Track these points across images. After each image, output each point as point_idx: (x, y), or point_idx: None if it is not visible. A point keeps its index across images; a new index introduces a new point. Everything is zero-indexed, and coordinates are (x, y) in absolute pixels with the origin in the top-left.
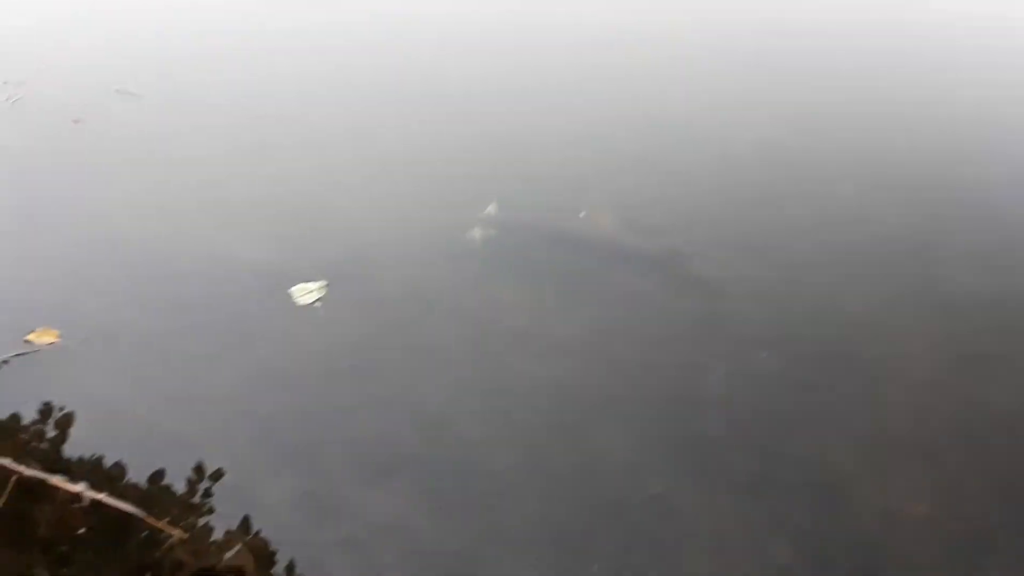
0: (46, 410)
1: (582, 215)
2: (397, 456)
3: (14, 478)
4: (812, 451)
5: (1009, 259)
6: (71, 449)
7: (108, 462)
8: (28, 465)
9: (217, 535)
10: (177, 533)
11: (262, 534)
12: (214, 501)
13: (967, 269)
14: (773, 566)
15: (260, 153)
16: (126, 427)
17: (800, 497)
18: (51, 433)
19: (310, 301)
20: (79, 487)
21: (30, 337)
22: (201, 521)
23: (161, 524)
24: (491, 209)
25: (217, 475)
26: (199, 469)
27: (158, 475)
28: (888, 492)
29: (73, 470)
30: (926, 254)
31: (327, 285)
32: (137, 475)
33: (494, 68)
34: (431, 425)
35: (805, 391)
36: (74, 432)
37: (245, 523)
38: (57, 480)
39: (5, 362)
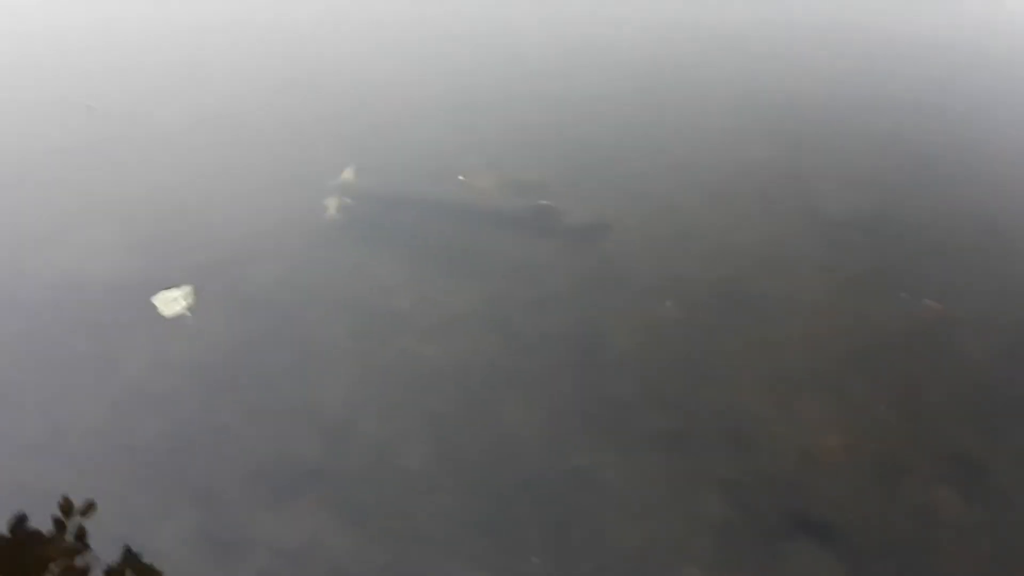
0: None
1: (461, 178)
2: (299, 471)
3: None
4: (723, 398)
5: (878, 177)
6: None
7: None
8: None
9: None
10: None
11: None
12: (99, 555)
13: (839, 192)
14: (705, 522)
15: (96, 152)
16: None
17: (719, 448)
18: None
19: (178, 310)
20: None
21: None
22: None
23: None
24: (347, 175)
25: (98, 524)
26: (76, 521)
27: (31, 535)
28: (801, 429)
29: None
30: (799, 182)
31: (194, 290)
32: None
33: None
34: (331, 430)
35: (705, 336)
36: None
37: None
38: None
39: None
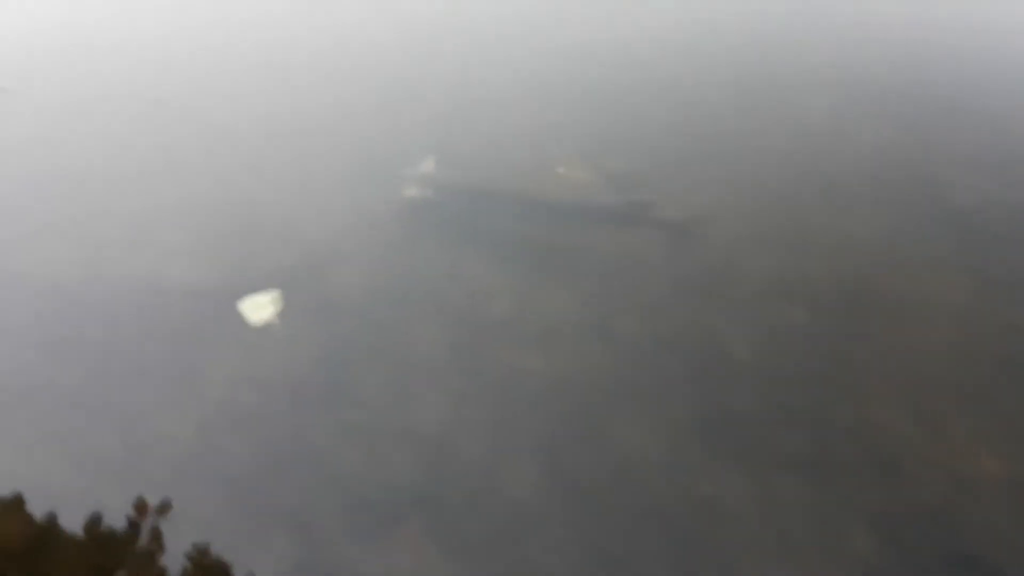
0: None
1: (560, 170)
2: (399, 497)
3: None
4: (861, 415)
5: (1008, 163)
6: None
7: (47, 554)
8: None
9: None
10: None
11: None
12: None
13: (967, 180)
14: (850, 559)
15: (165, 155)
16: (66, 506)
17: (860, 472)
18: None
19: (266, 317)
20: None
21: None
22: None
23: None
24: (427, 166)
25: (199, 551)
26: (170, 547)
27: (110, 558)
28: (952, 451)
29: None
30: (920, 168)
31: (281, 296)
32: (96, 567)
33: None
34: (430, 452)
35: (834, 344)
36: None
37: None
38: None
39: None
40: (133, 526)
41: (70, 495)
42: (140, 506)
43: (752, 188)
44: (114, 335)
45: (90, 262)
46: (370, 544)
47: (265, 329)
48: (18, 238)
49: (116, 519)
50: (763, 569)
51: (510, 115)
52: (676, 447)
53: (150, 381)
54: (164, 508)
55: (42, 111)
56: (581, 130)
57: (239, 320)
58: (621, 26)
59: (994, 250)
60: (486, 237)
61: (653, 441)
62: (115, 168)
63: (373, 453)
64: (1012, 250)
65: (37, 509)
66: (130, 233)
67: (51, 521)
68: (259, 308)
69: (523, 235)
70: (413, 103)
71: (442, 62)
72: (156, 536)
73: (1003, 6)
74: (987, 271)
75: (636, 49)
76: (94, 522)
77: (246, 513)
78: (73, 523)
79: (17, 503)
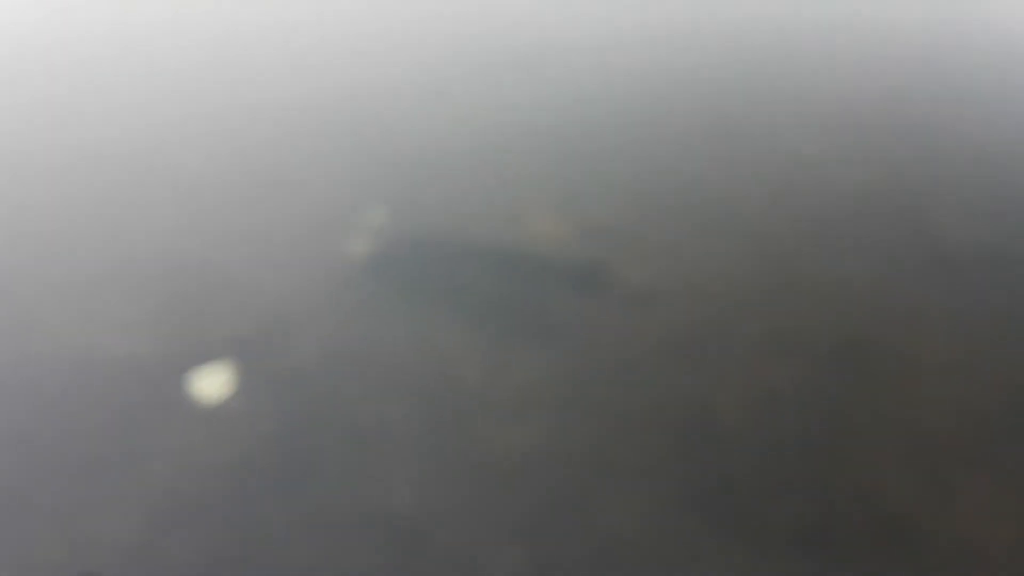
0: None
1: (536, 223)
2: None
3: None
4: (862, 480)
5: (1001, 205)
6: None
7: None
8: None
9: None
10: None
11: None
12: None
13: (958, 223)
14: None
15: (105, 213)
16: None
17: (867, 543)
18: None
19: (216, 394)
20: None
21: None
22: None
23: None
24: (374, 217)
25: None
26: None
27: None
28: (964, 518)
29: None
30: (909, 211)
31: (232, 368)
32: None
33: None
34: (403, 541)
35: (828, 405)
36: None
37: None
38: None
39: None
40: None
41: None
42: None
43: (736, 236)
44: (49, 420)
45: (20, 336)
46: None
47: (215, 407)
48: None
49: None
50: None
51: (473, 164)
52: (668, 524)
53: (90, 471)
54: None
55: None
56: (552, 180)
57: (186, 397)
58: (594, 68)
59: (989, 299)
60: (448, 296)
61: (643, 519)
62: (48, 228)
63: (337, 545)
64: (1006, 299)
65: None
66: (65, 302)
67: None
68: (208, 383)
69: (485, 294)
70: (370, 151)
71: (400, 110)
72: None
73: (998, 46)
74: (982, 322)
75: (611, 91)
76: None
77: None
78: None
79: None
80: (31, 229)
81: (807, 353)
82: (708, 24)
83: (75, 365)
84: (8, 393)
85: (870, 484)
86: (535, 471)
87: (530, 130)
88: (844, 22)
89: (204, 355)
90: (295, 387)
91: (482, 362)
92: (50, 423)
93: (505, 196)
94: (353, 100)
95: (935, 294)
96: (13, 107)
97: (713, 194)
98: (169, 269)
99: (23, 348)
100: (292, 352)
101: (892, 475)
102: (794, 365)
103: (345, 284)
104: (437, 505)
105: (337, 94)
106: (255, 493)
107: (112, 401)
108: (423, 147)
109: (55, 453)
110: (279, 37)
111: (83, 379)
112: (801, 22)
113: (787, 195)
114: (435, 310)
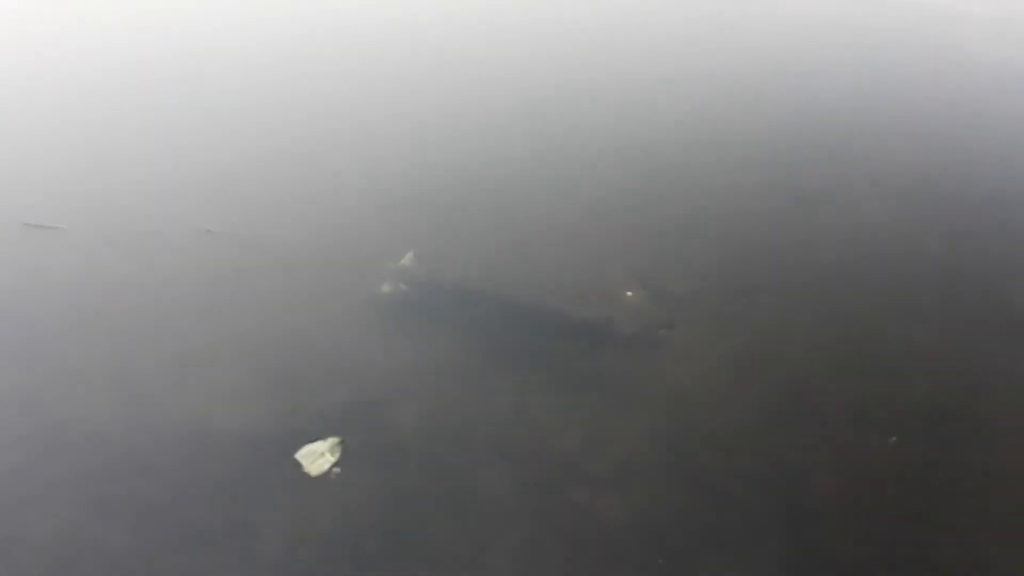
0: None
1: (629, 294)
2: None
3: None
4: (969, 552)
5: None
6: None
7: None
8: None
9: None
10: None
11: None
12: None
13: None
14: None
15: (210, 291)
16: None
17: None
18: None
19: (324, 466)
20: None
21: None
22: None
23: None
24: (406, 260)
25: None
26: None
27: None
28: None
29: None
30: (981, 277)
31: (341, 442)
32: None
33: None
34: None
35: (927, 473)
36: None
37: None
38: None
39: None
40: None
41: None
42: None
43: (815, 307)
44: (162, 491)
45: (133, 409)
46: None
47: (322, 479)
48: (59, 383)
49: None
50: None
51: (554, 233)
52: None
53: (202, 542)
54: None
55: (87, 248)
56: (628, 250)
57: (294, 468)
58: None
59: None
60: (540, 366)
61: None
62: (159, 306)
63: None
64: None
65: None
66: (174, 375)
67: None
68: (318, 457)
69: (575, 366)
70: (452, 222)
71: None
72: None
73: None
74: None
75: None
76: None
77: None
78: None
79: None
80: (146, 307)
81: (894, 421)
82: (784, 88)
83: (186, 437)
84: (123, 465)
85: (977, 556)
86: (634, 541)
87: (610, 197)
88: (919, 89)
89: (309, 426)
90: (398, 460)
91: (578, 430)
92: (163, 493)
93: (588, 266)
94: (434, 171)
95: (1016, 361)
96: (133, 182)
97: (791, 264)
98: (273, 342)
99: (138, 420)
100: (390, 423)
101: (1001, 548)
102: (882, 433)
103: (442, 355)
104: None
105: (427, 171)
106: (362, 564)
107: (221, 472)
108: (509, 215)
109: (168, 523)
110: (360, 103)
111: (193, 451)
112: (876, 86)
113: (865, 264)
114: (529, 380)
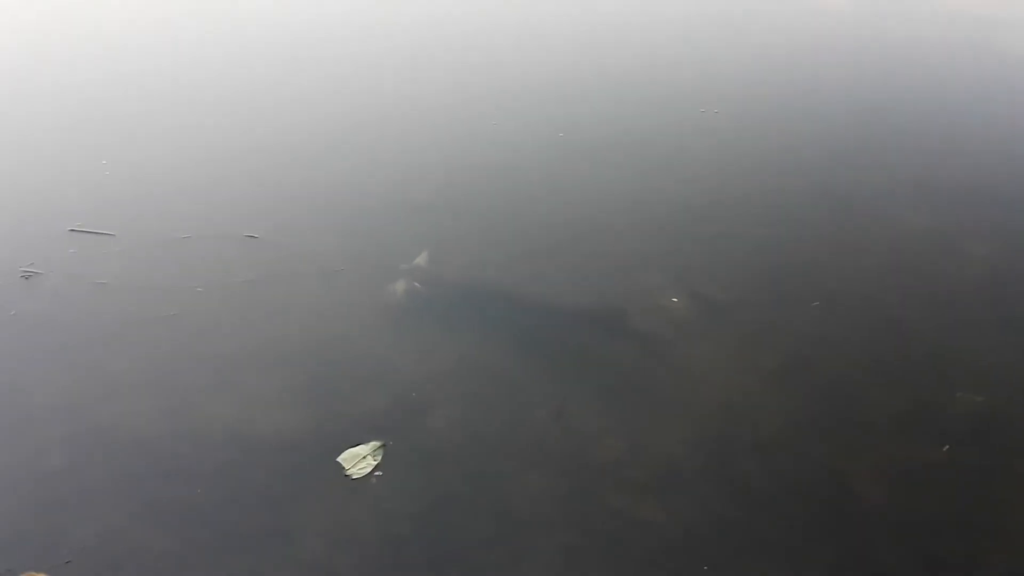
0: None
1: (675, 299)
2: None
3: None
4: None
5: None
6: None
7: None
8: None
9: None
10: None
11: None
12: None
13: None
14: None
15: (251, 295)
16: None
17: None
18: None
19: (367, 471)
20: None
21: None
22: None
23: None
24: (421, 260)
25: None
26: None
27: None
28: None
29: None
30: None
31: (383, 446)
32: None
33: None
34: None
35: (978, 483)
36: None
37: None
38: None
39: None
40: None
41: None
42: None
43: (859, 312)
44: (204, 495)
45: (175, 413)
46: None
47: (362, 483)
48: (102, 390)
49: None
50: None
51: (589, 241)
52: None
53: (244, 545)
54: None
55: (130, 253)
56: (664, 257)
57: (334, 473)
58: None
59: None
60: (579, 371)
61: None
62: (200, 311)
63: None
64: None
65: None
66: (214, 381)
67: None
68: (360, 461)
69: (616, 370)
70: (488, 229)
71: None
72: None
73: None
74: None
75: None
76: None
77: None
78: None
79: None
80: (188, 311)
81: (945, 429)
82: (825, 92)
83: (226, 441)
84: (165, 469)
85: None
86: (677, 551)
87: (646, 202)
88: (960, 92)
89: (349, 431)
90: (436, 466)
91: (619, 436)
92: (205, 497)
93: (627, 270)
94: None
95: None
96: (174, 186)
97: (834, 270)
98: (314, 346)
99: (177, 425)
100: (430, 428)
101: None
102: (933, 441)
103: (481, 361)
104: None
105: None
106: (401, 568)
107: (262, 476)
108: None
109: (210, 526)
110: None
111: (234, 455)
112: (918, 89)
113: (909, 270)
114: (570, 386)
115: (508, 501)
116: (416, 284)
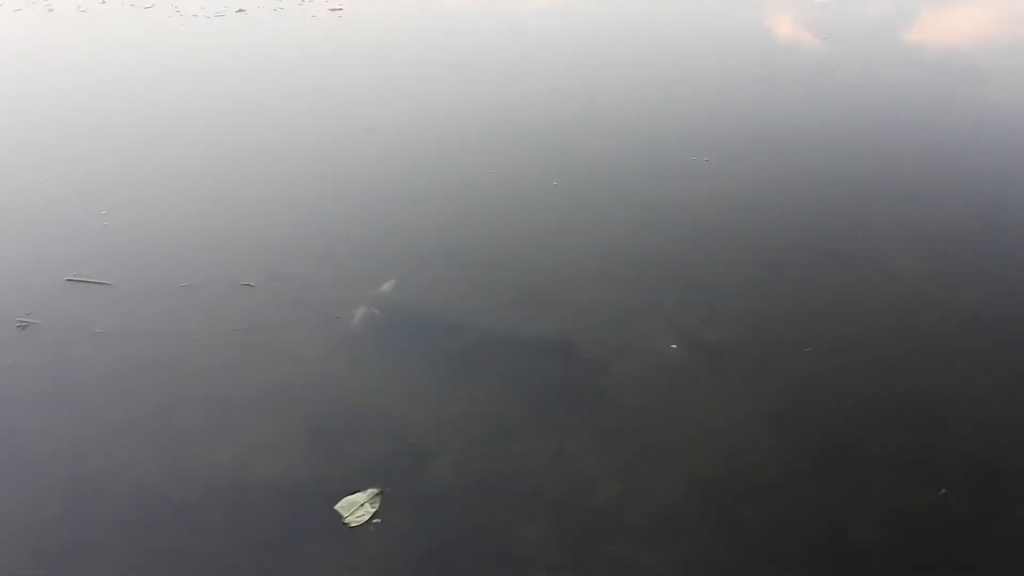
0: None
1: (674, 346)
2: None
3: None
4: None
5: None
6: None
7: None
8: None
9: None
10: None
11: None
12: None
13: None
14: None
15: (248, 340)
16: None
17: None
18: None
19: (365, 518)
20: None
21: None
22: None
23: None
24: (387, 287)
25: None
26: None
27: None
28: None
29: None
30: None
31: (380, 493)
32: None
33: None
34: None
35: (976, 527)
36: None
37: None
38: None
39: None
40: None
41: None
42: None
43: (853, 358)
44: (204, 541)
45: (173, 460)
46: None
47: (361, 531)
48: (100, 438)
49: None
50: None
51: (591, 283)
52: None
53: None
54: None
55: (127, 302)
56: (655, 299)
57: (332, 519)
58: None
59: None
60: (578, 415)
61: None
62: (198, 357)
63: None
64: None
65: None
66: (213, 425)
67: None
68: (358, 509)
69: (615, 414)
70: (491, 274)
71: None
72: None
73: None
74: None
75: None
76: None
77: None
78: None
79: None
80: (186, 358)
81: (942, 473)
82: (815, 135)
83: (224, 488)
84: (164, 515)
85: None
86: None
87: (638, 245)
88: (952, 133)
89: (347, 477)
90: (434, 514)
91: (618, 481)
92: (204, 543)
93: (622, 312)
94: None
95: None
96: (172, 235)
97: (829, 314)
98: (312, 390)
99: (176, 471)
100: (429, 474)
101: None
102: (930, 485)
103: (479, 407)
104: None
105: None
106: None
107: (262, 522)
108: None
109: (209, 574)
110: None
111: (233, 501)
112: (909, 132)
113: (904, 314)
114: (569, 430)
115: (508, 549)
116: (374, 310)
